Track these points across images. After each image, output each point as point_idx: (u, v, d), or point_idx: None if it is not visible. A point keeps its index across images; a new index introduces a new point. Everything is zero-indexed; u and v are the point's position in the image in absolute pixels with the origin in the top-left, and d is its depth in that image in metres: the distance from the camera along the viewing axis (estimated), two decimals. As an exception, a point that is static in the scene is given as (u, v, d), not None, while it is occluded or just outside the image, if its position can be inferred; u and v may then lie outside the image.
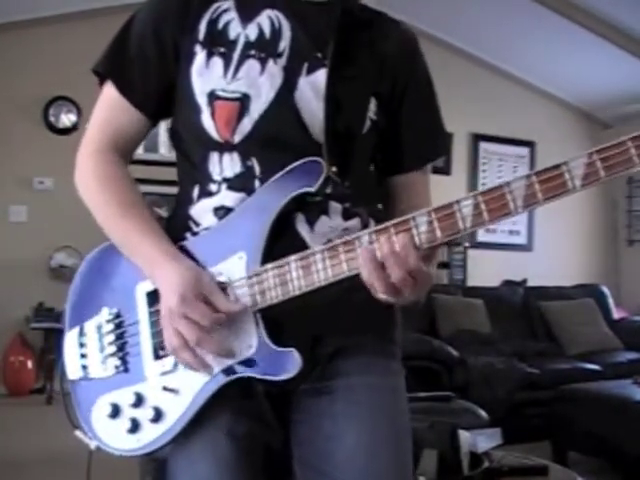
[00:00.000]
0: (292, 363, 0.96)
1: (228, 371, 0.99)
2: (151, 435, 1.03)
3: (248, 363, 0.98)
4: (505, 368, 4.17)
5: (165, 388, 1.02)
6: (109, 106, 1.11)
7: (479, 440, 2.33)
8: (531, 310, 5.19)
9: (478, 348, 4.42)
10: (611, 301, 5.56)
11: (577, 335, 4.93)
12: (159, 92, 1.10)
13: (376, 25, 1.16)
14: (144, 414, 1.03)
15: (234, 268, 1.01)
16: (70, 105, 5.13)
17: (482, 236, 6.31)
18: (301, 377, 0.99)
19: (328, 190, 1.04)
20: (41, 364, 4.87)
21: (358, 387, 1.06)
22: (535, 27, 5.34)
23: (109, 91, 1.11)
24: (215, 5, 1.08)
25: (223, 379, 1.00)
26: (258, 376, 0.98)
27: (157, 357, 1.04)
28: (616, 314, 5.54)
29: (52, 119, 5.15)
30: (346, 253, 0.94)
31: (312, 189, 1.00)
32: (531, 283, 5.70)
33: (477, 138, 6.36)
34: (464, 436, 2.25)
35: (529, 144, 6.52)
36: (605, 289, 5.63)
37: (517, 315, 5.12)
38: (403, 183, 1.18)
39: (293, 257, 0.97)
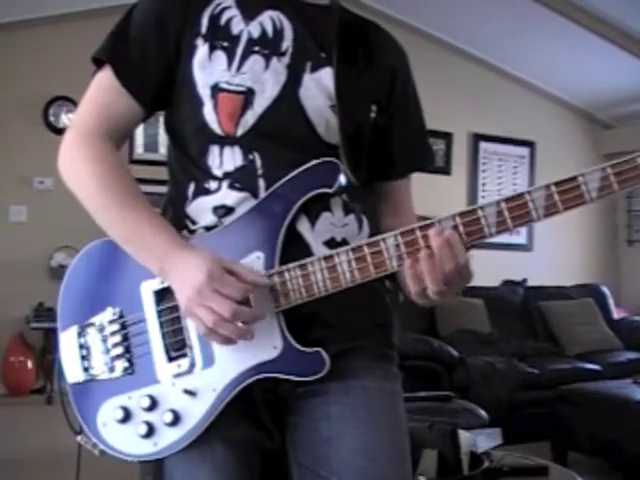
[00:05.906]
0: (320, 363, 0.95)
1: (252, 371, 0.97)
2: (169, 439, 0.99)
3: (272, 363, 0.96)
4: (505, 368, 4.17)
5: (185, 391, 0.99)
6: (105, 90, 1.06)
7: (479, 440, 2.33)
8: (531, 310, 5.19)
9: (478, 348, 4.42)
10: (611, 301, 5.56)
11: (577, 335, 4.93)
12: (157, 84, 1.06)
13: (373, 35, 1.16)
14: (160, 417, 0.99)
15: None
16: (70, 105, 5.12)
17: (482, 236, 6.29)
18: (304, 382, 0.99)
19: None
20: (41, 364, 4.87)
21: (353, 389, 1.04)
22: (536, 27, 5.33)
23: (105, 77, 1.06)
24: (216, 1, 1.07)
25: (247, 379, 0.97)
26: (283, 376, 0.97)
27: (170, 359, 1.01)
28: (616, 314, 5.54)
29: (52, 119, 5.14)
30: (372, 255, 0.93)
31: (330, 190, 0.99)
32: (531, 283, 5.68)
33: (477, 138, 6.35)
34: (464, 436, 2.24)
35: (529, 144, 6.51)
36: (605, 289, 5.63)
37: (517, 315, 5.11)
38: (387, 189, 1.18)
39: (316, 257, 0.96)
